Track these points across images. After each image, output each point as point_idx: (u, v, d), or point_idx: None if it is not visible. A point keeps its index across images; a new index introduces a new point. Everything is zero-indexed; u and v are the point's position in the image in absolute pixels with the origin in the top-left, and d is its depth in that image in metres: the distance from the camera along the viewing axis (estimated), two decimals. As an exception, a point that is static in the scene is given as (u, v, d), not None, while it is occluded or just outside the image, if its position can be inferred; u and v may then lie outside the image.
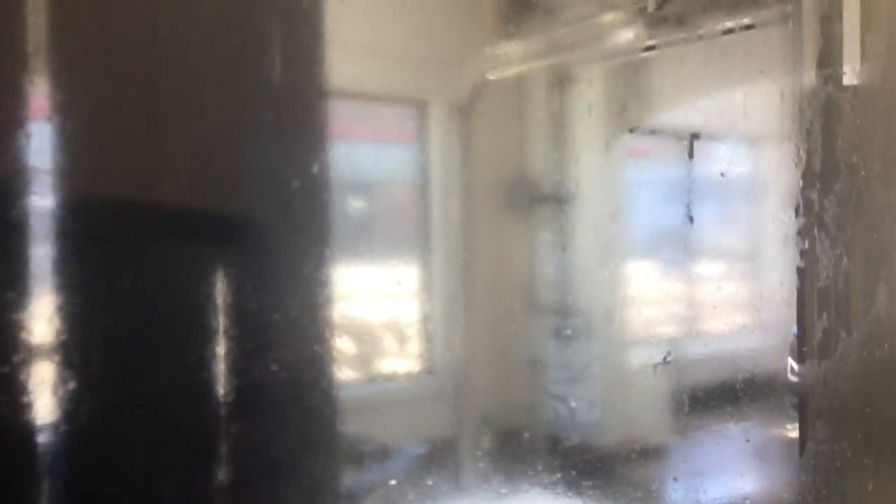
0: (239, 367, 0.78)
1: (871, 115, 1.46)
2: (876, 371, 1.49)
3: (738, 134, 1.31)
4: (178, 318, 0.75)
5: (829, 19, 1.45)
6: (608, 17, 1.27)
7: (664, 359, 1.17)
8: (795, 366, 1.36)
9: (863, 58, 1.47)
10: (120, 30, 0.73)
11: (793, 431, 1.36)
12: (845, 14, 1.48)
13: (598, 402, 1.14)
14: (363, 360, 0.92)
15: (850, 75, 1.45)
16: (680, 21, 1.29)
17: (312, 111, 0.86)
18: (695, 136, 1.24)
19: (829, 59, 1.43)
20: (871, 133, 1.46)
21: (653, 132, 1.22)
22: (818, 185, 1.37)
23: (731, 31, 1.34)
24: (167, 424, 0.74)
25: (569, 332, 1.09)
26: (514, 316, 1.06)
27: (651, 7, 1.29)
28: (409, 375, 0.97)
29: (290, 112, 0.83)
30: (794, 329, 1.36)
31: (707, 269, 1.23)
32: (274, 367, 0.80)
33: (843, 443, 1.42)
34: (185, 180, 0.77)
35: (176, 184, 0.76)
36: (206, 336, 0.76)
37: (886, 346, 1.52)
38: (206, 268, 0.76)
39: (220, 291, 0.77)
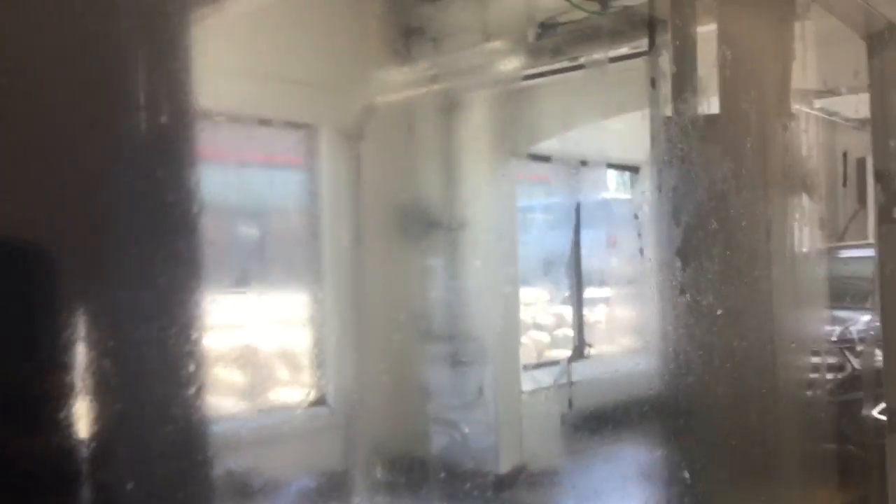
0: (116, 395, 0.73)
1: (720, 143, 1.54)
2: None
3: (616, 160, 1.35)
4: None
5: (683, 55, 1.53)
6: (492, 46, 1.29)
7: (555, 382, 1.18)
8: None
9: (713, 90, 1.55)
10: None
11: (677, 451, 1.40)
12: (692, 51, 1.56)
13: (491, 427, 1.14)
14: (251, 391, 0.88)
15: (702, 106, 1.53)
16: (556, 51, 1.32)
17: (195, 135, 0.83)
18: (582, 163, 1.28)
19: (683, 90, 1.50)
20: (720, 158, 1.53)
21: (541, 158, 1.25)
22: (683, 210, 1.43)
23: (604, 62, 1.39)
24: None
25: (462, 358, 1.09)
26: (407, 343, 1.05)
27: (531, 37, 1.32)
28: (298, 406, 0.94)
29: (172, 138, 0.80)
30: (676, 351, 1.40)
31: (596, 292, 1.26)
32: (158, 398, 0.76)
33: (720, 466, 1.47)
34: (52, 211, 0.72)
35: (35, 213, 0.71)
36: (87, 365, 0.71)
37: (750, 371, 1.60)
38: (69, 300, 0.72)
39: (99, 322, 0.72)
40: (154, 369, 0.76)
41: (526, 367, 1.16)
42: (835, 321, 2.51)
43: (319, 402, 0.94)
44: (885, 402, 2.08)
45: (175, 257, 0.79)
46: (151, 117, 0.78)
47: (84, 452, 0.70)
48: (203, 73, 0.82)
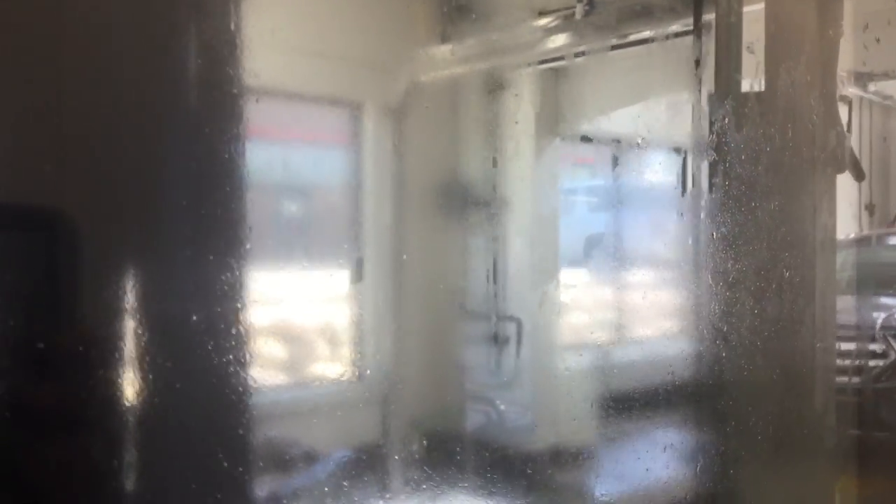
0: (167, 367, 0.75)
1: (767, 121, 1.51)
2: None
3: (663, 142, 1.34)
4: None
5: (728, 32, 1.50)
6: (538, 23, 1.28)
7: (592, 363, 1.18)
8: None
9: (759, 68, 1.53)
10: (20, 27, 0.69)
11: (713, 434, 1.39)
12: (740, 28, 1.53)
13: (528, 407, 1.14)
14: (293, 365, 0.90)
15: (748, 83, 1.51)
16: (604, 28, 1.31)
17: (242, 112, 0.84)
18: (626, 144, 1.26)
19: (728, 68, 1.47)
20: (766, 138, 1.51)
21: (586, 139, 1.24)
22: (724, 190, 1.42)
23: (651, 40, 1.37)
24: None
25: (500, 337, 1.10)
26: (446, 321, 1.06)
27: (579, 14, 1.31)
28: (338, 380, 0.95)
29: (217, 113, 0.81)
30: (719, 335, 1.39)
31: (637, 275, 1.25)
32: (201, 372, 0.78)
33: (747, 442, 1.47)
34: (96, 184, 0.73)
35: (85, 185, 0.73)
36: (142, 337, 0.73)
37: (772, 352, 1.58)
38: (125, 269, 0.73)
39: (142, 296, 0.74)
40: (196, 345, 0.78)
41: (563, 348, 1.16)
42: (881, 308, 2.47)
43: (358, 377, 0.96)
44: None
45: (219, 234, 0.80)
46: (195, 93, 0.79)
47: (126, 424, 0.73)
48: (249, 49, 0.83)
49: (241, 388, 0.82)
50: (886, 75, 2.84)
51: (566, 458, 1.17)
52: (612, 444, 1.23)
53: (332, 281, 0.93)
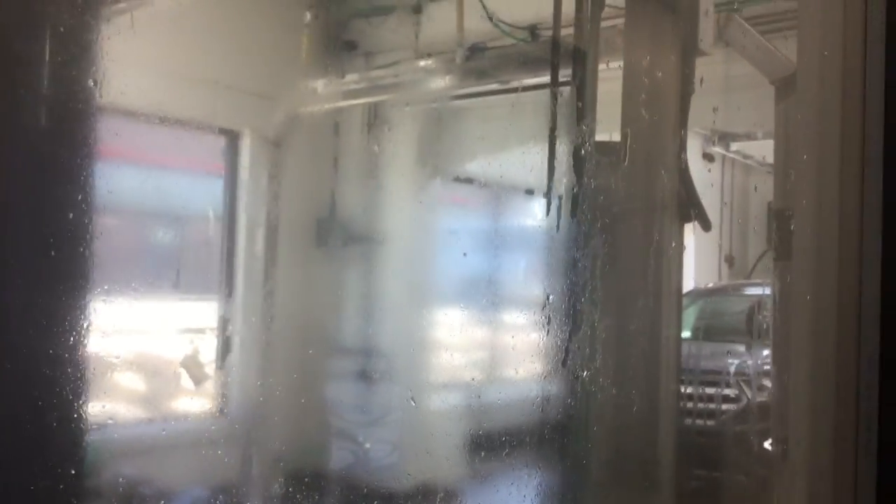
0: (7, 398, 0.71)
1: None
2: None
3: (531, 185, 1.38)
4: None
5: (589, 86, 1.56)
6: (422, 64, 1.30)
7: (463, 402, 1.19)
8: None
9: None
10: None
11: (574, 471, 1.42)
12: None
13: (395, 445, 1.14)
14: (151, 398, 0.86)
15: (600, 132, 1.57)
16: (483, 74, 1.34)
17: (112, 136, 0.81)
18: (500, 187, 1.29)
19: (588, 118, 1.53)
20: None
21: (464, 181, 1.26)
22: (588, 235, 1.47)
23: (527, 88, 1.42)
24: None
25: (370, 374, 1.09)
26: (316, 356, 1.04)
27: (459, 59, 1.34)
28: (198, 415, 0.92)
29: (85, 137, 0.77)
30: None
31: (508, 316, 1.27)
32: (53, 404, 0.74)
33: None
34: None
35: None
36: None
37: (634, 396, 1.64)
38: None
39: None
40: (49, 374, 0.74)
41: (435, 387, 1.16)
42: (735, 354, 2.59)
43: (220, 411, 0.93)
44: (773, 434, 2.16)
45: (80, 260, 0.77)
46: (64, 115, 0.76)
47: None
48: (127, 72, 0.80)
49: (94, 422, 0.78)
50: (747, 136, 3.03)
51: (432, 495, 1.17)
52: (472, 481, 1.24)
53: (198, 311, 0.90)
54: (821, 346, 0.76)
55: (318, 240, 1.06)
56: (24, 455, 0.72)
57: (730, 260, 3.34)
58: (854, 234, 0.75)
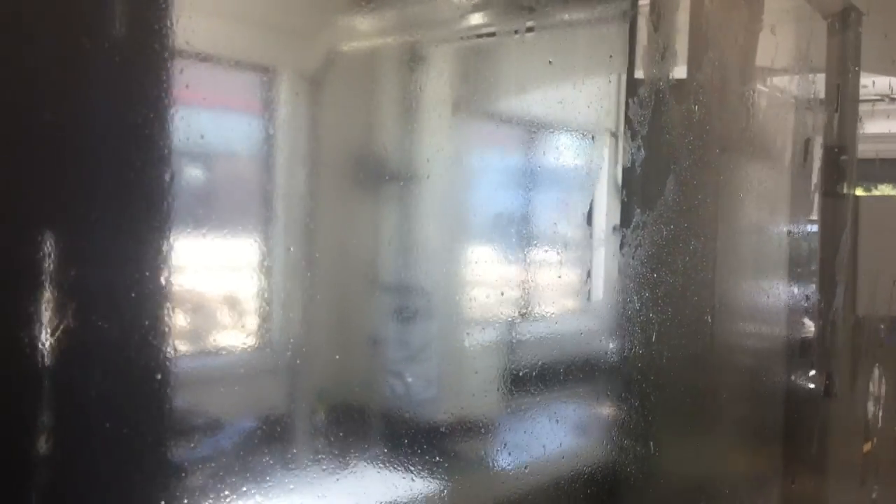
0: (73, 334, 0.73)
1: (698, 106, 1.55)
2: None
3: (579, 125, 1.36)
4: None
5: (659, 18, 1.53)
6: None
7: (499, 339, 1.20)
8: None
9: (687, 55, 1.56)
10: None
11: (612, 408, 1.44)
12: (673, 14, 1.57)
13: (433, 380, 1.16)
14: (199, 334, 0.89)
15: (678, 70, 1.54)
16: (528, 8, 1.32)
17: (150, 74, 0.82)
18: (542, 127, 1.28)
19: (660, 54, 1.50)
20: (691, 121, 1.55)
21: (502, 119, 1.25)
22: (641, 173, 1.45)
23: (575, 23, 1.39)
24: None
25: (409, 310, 1.10)
26: (355, 293, 1.06)
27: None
28: (244, 350, 0.95)
29: (125, 77, 0.78)
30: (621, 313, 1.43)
31: (545, 255, 1.27)
32: (107, 342, 0.77)
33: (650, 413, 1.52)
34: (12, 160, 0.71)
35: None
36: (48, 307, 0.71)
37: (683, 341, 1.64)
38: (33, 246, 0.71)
39: (55, 268, 0.72)
40: (101, 312, 0.77)
41: (471, 323, 1.17)
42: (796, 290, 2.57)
43: (264, 347, 0.95)
44: (817, 369, 2.16)
45: (122, 200, 0.78)
46: (101, 56, 0.77)
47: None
48: (171, 12, 0.81)
49: (149, 359, 0.81)
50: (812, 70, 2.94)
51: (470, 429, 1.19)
52: (513, 416, 1.26)
53: (240, 251, 0.92)
54: None
55: (356, 179, 1.06)
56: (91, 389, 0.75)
57: (792, 196, 3.28)
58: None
